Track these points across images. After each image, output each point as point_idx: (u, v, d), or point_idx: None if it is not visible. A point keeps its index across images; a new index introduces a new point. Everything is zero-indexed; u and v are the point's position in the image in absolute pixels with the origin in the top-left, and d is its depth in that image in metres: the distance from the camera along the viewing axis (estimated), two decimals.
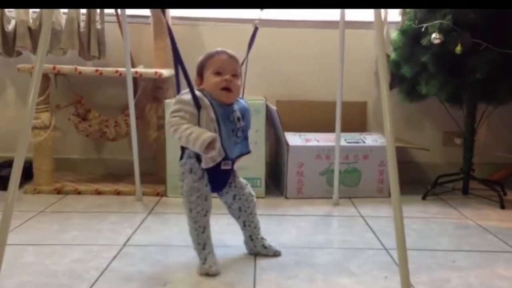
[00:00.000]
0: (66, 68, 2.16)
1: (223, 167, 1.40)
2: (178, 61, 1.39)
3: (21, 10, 2.30)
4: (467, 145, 2.31)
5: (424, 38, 2.09)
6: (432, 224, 1.90)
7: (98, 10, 2.33)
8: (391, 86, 2.24)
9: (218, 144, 1.32)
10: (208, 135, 1.30)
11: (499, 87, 2.09)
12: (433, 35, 2.01)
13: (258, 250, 1.53)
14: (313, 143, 2.26)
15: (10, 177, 1.19)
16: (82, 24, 2.32)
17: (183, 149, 1.42)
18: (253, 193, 1.52)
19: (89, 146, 2.59)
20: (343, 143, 2.18)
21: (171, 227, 1.81)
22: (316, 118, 2.45)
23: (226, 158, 1.38)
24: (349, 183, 2.26)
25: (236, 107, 1.42)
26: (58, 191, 2.22)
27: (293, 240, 1.68)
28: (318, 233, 1.77)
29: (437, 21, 2.01)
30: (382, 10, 2.26)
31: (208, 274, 1.37)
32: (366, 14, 2.41)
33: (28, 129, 1.25)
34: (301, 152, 2.22)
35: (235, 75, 1.40)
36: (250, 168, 2.10)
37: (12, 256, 1.43)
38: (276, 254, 1.53)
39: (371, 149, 2.25)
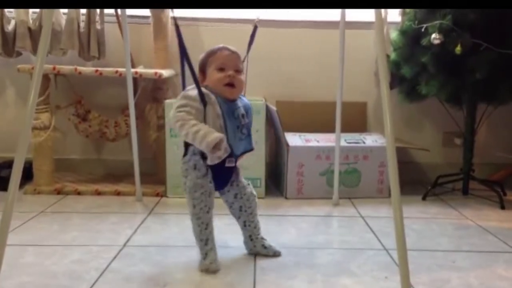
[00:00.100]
0: (66, 68, 2.16)
1: (227, 164, 1.40)
2: (184, 56, 1.39)
3: (21, 11, 2.30)
4: (467, 145, 2.31)
5: (424, 39, 2.09)
6: (432, 225, 1.90)
7: (98, 11, 2.33)
8: (391, 87, 2.24)
9: (224, 144, 1.32)
10: (215, 135, 1.30)
11: (499, 87, 2.09)
12: (433, 36, 2.02)
13: (258, 250, 1.53)
14: (313, 143, 2.26)
15: (10, 178, 1.19)
16: (82, 25, 2.32)
17: (187, 145, 1.42)
18: (254, 193, 1.52)
19: (89, 147, 2.59)
20: (343, 143, 2.18)
21: (171, 227, 1.81)
22: (316, 118, 2.45)
23: (231, 155, 1.38)
24: (349, 184, 2.26)
25: (240, 104, 1.42)
26: (58, 192, 2.22)
27: (293, 241, 1.68)
28: (318, 233, 1.77)
29: (437, 22, 2.01)
30: (382, 10, 2.26)
31: (208, 271, 1.38)
32: (366, 15, 2.41)
33: (28, 129, 1.24)
34: (301, 153, 2.22)
35: (238, 71, 1.41)
36: (250, 168, 2.10)
37: (12, 257, 1.43)
38: (276, 254, 1.53)
39: (371, 149, 2.25)
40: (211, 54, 1.42)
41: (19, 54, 2.40)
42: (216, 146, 1.30)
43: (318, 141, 2.27)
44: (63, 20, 2.32)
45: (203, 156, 1.38)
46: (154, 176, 2.34)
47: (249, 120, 1.44)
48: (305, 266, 1.45)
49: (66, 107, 2.30)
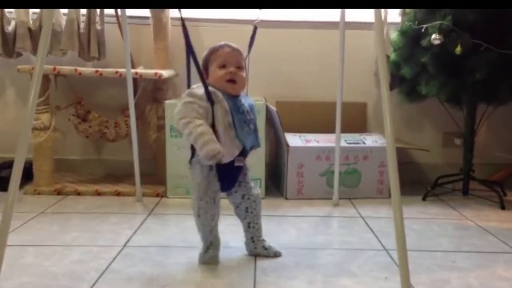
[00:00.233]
0: (66, 69, 2.16)
1: (236, 164, 1.41)
2: (190, 54, 1.38)
3: (21, 11, 2.30)
4: (467, 145, 2.31)
5: (424, 39, 2.09)
6: (432, 225, 1.89)
7: (98, 11, 2.33)
8: (391, 87, 2.24)
9: (221, 156, 1.30)
10: (217, 146, 1.29)
11: (499, 88, 2.09)
12: (433, 36, 2.02)
13: (258, 251, 1.53)
14: (313, 144, 2.26)
15: (11, 178, 1.19)
16: (82, 25, 2.32)
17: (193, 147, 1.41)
18: (260, 195, 1.52)
19: (89, 147, 2.59)
20: (343, 144, 2.18)
21: (171, 228, 1.81)
22: (316, 118, 2.45)
23: (241, 153, 1.39)
24: (349, 184, 2.26)
25: (243, 100, 1.42)
26: (58, 192, 2.22)
27: (293, 241, 1.68)
28: (318, 234, 1.77)
29: (437, 22, 2.02)
30: (382, 11, 2.26)
31: (206, 263, 1.43)
32: (366, 15, 2.41)
33: (28, 130, 1.24)
34: (301, 153, 2.21)
35: (239, 67, 1.41)
36: (250, 168, 2.10)
37: (12, 257, 1.43)
38: (276, 255, 1.53)
39: (371, 149, 2.25)
40: (213, 51, 1.43)
41: (19, 54, 2.41)
42: (213, 157, 1.29)
43: (318, 142, 2.27)
44: (63, 20, 2.32)
45: None
46: (154, 177, 2.34)
47: (254, 116, 1.44)
48: (305, 267, 1.45)
49: (66, 107, 2.30)
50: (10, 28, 2.33)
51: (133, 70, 2.12)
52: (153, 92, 2.31)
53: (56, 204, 2.09)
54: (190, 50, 1.38)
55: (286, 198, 2.24)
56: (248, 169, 1.49)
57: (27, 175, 2.24)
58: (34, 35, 2.32)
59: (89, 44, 2.32)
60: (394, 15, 2.35)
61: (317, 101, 2.53)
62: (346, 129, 2.15)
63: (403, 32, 2.26)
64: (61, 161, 2.47)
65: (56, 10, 2.20)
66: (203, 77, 1.38)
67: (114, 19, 2.38)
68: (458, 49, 1.98)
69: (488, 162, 2.57)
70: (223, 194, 1.46)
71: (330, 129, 2.15)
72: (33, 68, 2.04)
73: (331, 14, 2.41)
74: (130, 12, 2.20)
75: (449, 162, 2.56)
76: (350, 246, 1.64)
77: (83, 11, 2.33)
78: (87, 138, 2.40)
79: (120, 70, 2.14)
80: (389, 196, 1.63)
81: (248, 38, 1.54)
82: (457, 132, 2.46)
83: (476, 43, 1.99)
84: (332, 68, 2.20)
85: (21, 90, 2.53)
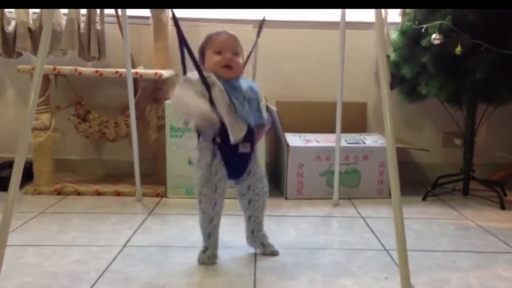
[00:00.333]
0: (66, 69, 2.16)
1: (240, 150, 1.40)
2: (182, 42, 1.39)
3: (21, 11, 2.30)
4: (467, 145, 2.31)
5: (424, 39, 2.09)
6: (432, 225, 1.90)
7: (98, 11, 2.33)
8: (391, 87, 2.23)
9: (212, 120, 1.31)
10: (205, 108, 1.30)
11: (499, 88, 2.09)
12: (433, 36, 2.02)
13: (256, 246, 1.54)
14: (313, 144, 2.26)
15: (11, 178, 1.19)
16: (82, 25, 2.33)
17: (199, 134, 1.42)
18: (267, 189, 1.52)
19: (89, 147, 2.59)
20: (343, 143, 2.18)
21: (171, 228, 1.81)
22: (316, 118, 2.45)
23: (246, 139, 1.38)
24: (349, 184, 2.26)
25: (241, 83, 1.42)
26: (58, 192, 2.22)
27: (293, 241, 1.68)
28: (318, 234, 1.77)
29: (437, 22, 2.02)
30: (383, 11, 2.26)
31: (204, 263, 1.43)
32: (366, 15, 2.41)
33: (28, 130, 1.24)
34: (301, 153, 2.21)
35: (236, 53, 1.41)
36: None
37: (12, 257, 1.43)
38: (273, 253, 1.53)
39: (371, 149, 2.25)
40: (209, 38, 1.43)
41: (19, 54, 2.41)
42: (205, 120, 1.30)
43: (318, 142, 2.27)
44: (63, 20, 2.32)
45: (215, 142, 1.38)
46: (154, 177, 2.34)
47: (254, 96, 1.43)
48: (305, 267, 1.45)
49: (66, 107, 2.30)
50: (10, 28, 2.33)
51: (133, 70, 2.12)
52: (153, 92, 2.31)
53: (56, 204, 2.09)
54: (181, 36, 1.38)
55: (286, 198, 2.24)
56: (257, 159, 1.48)
57: (27, 175, 2.24)
58: (34, 35, 2.33)
59: (89, 44, 2.33)
60: (394, 15, 2.35)
61: (317, 101, 2.53)
62: (346, 129, 2.15)
63: (403, 32, 2.26)
64: (61, 161, 2.47)
65: (56, 10, 2.20)
66: (196, 61, 1.38)
67: (114, 19, 2.38)
68: (458, 49, 1.99)
69: (488, 162, 2.57)
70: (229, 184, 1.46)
71: (330, 129, 2.15)
72: (33, 68, 2.04)
73: (331, 14, 2.41)
74: (130, 12, 2.20)
75: (449, 162, 2.56)
76: (350, 246, 1.64)
77: (83, 11, 2.33)
78: (87, 138, 2.40)
79: (120, 70, 2.14)
80: (389, 196, 1.63)
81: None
82: (457, 132, 2.46)
83: (476, 43, 1.99)
84: (332, 68, 2.20)
85: (21, 90, 2.53)
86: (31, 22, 2.33)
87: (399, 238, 1.18)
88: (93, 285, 1.30)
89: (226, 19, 2.50)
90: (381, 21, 1.29)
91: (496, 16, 2.01)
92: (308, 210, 2.06)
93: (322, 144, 2.25)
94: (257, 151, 1.49)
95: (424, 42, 2.09)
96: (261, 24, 1.57)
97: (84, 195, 2.22)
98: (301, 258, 1.52)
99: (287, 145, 2.21)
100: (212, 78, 1.36)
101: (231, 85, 1.38)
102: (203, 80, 1.35)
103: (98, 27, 2.33)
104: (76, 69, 2.15)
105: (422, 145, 2.53)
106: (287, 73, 2.57)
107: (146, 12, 2.42)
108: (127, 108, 2.12)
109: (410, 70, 2.22)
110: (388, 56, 2.29)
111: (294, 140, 2.27)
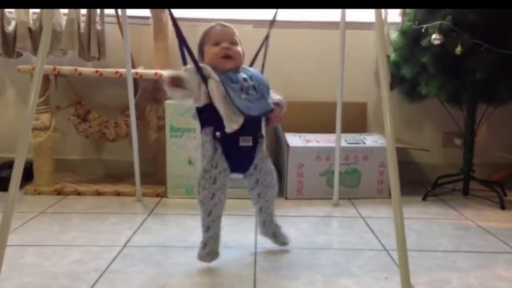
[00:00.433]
0: (66, 69, 2.16)
1: (241, 144, 1.40)
2: (182, 41, 1.39)
3: (21, 11, 2.30)
4: (467, 145, 2.31)
5: (424, 39, 2.09)
6: (432, 225, 1.90)
7: (98, 11, 2.33)
8: (391, 87, 2.24)
9: (185, 83, 1.32)
10: (173, 72, 1.32)
11: (499, 88, 2.09)
12: (433, 36, 2.02)
13: (267, 235, 1.55)
14: (313, 144, 2.26)
15: (11, 178, 1.19)
16: (82, 25, 2.33)
17: (202, 126, 1.43)
18: (276, 181, 1.52)
19: (89, 147, 2.59)
20: (343, 143, 2.18)
21: (171, 228, 1.81)
22: (316, 118, 2.45)
23: (244, 133, 1.38)
24: (349, 184, 2.26)
25: (242, 73, 1.41)
26: (58, 192, 2.22)
27: (293, 241, 1.67)
28: (318, 234, 1.77)
29: (437, 22, 2.02)
30: (383, 11, 2.26)
31: (202, 260, 1.42)
32: (366, 15, 2.41)
33: (29, 130, 1.24)
34: (301, 153, 2.22)
35: (233, 43, 1.42)
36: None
37: (12, 257, 1.43)
38: (283, 244, 1.55)
39: (371, 149, 2.25)
40: (206, 33, 1.44)
41: (19, 54, 2.41)
42: (173, 82, 1.32)
43: (318, 142, 2.27)
44: (63, 20, 2.32)
45: (215, 137, 1.38)
46: (154, 177, 2.34)
47: (258, 83, 1.42)
48: (305, 267, 1.45)
49: (66, 107, 2.30)
50: (10, 28, 2.33)
51: (133, 70, 2.12)
52: (153, 92, 2.31)
53: (56, 204, 2.09)
54: (178, 32, 1.38)
55: (286, 198, 2.24)
56: (264, 152, 1.48)
57: (27, 175, 2.24)
58: (34, 35, 2.33)
59: (89, 44, 2.33)
60: (394, 15, 2.35)
61: (317, 101, 2.53)
62: (346, 129, 2.15)
63: (403, 32, 2.26)
64: (61, 161, 2.47)
65: (56, 10, 2.20)
66: (193, 54, 1.38)
67: (115, 19, 2.38)
68: (458, 49, 1.99)
69: (488, 162, 2.57)
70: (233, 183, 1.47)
71: (330, 129, 2.15)
72: (33, 68, 2.04)
73: (331, 14, 2.41)
74: (130, 12, 2.20)
75: (449, 162, 2.56)
76: (350, 246, 1.64)
77: (83, 11, 2.33)
78: (87, 138, 2.40)
79: (120, 70, 2.14)
80: (389, 196, 1.63)
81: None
82: (457, 132, 2.46)
83: (476, 43, 1.99)
84: (332, 68, 2.20)
85: (21, 90, 2.53)
86: (31, 22, 2.33)
87: (399, 238, 1.18)
88: (93, 285, 1.30)
89: (226, 19, 2.49)
90: (381, 21, 1.29)
91: (496, 16, 2.01)
92: (308, 210, 2.06)
93: (322, 144, 2.25)
94: (263, 145, 1.48)
95: (424, 42, 2.09)
96: (271, 23, 1.58)
97: (84, 195, 2.22)
98: (301, 258, 1.52)
99: (287, 145, 2.21)
100: (207, 69, 1.36)
101: (227, 77, 1.37)
102: (199, 71, 1.35)
103: (98, 27, 2.33)
104: (76, 69, 2.15)
105: (422, 145, 2.53)
106: (287, 73, 2.57)
107: (146, 12, 2.42)
108: (127, 108, 2.13)
109: (410, 70, 2.22)
110: (388, 56, 2.29)
111: (294, 140, 2.27)
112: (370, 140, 2.32)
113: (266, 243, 1.59)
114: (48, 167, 2.26)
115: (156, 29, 2.38)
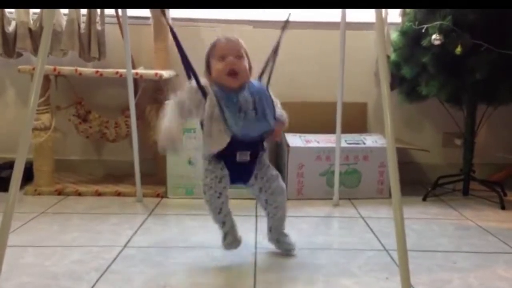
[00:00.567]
0: (66, 69, 2.16)
1: (239, 159, 1.41)
2: (182, 55, 1.41)
3: (22, 11, 2.30)
4: (467, 146, 2.31)
5: (424, 39, 2.09)
6: (433, 225, 1.90)
7: (98, 11, 2.33)
8: (392, 87, 2.23)
9: (171, 144, 1.35)
10: (166, 137, 1.35)
11: (499, 88, 2.09)
12: (433, 36, 2.02)
13: (272, 242, 1.56)
14: (313, 144, 2.26)
15: (11, 179, 1.19)
16: (82, 25, 2.33)
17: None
18: (282, 185, 1.51)
19: (89, 147, 2.59)
20: (343, 144, 2.18)
21: (171, 228, 1.81)
22: (316, 119, 2.45)
23: (242, 148, 1.40)
24: (349, 184, 2.26)
25: (245, 91, 1.40)
26: (59, 192, 2.22)
27: (293, 241, 1.68)
28: (318, 234, 1.77)
29: (437, 22, 2.02)
30: (383, 11, 2.26)
31: (228, 247, 1.47)
32: (366, 15, 2.41)
33: (29, 130, 1.24)
34: (301, 153, 2.22)
35: (239, 56, 1.41)
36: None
37: (12, 257, 1.44)
38: (287, 253, 1.54)
39: (371, 150, 2.25)
40: (211, 48, 1.44)
41: (19, 55, 2.41)
42: (166, 142, 1.34)
43: (318, 142, 2.27)
44: (63, 21, 2.32)
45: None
46: (155, 177, 2.34)
47: (259, 105, 1.40)
48: (305, 267, 1.45)
49: (66, 108, 2.30)
50: (10, 28, 2.33)
51: (133, 71, 2.12)
52: (153, 93, 2.31)
53: (57, 204, 2.09)
54: (180, 50, 1.41)
55: (286, 198, 2.23)
56: (265, 162, 1.49)
57: (28, 175, 2.24)
58: (34, 35, 2.33)
59: (90, 45, 2.33)
60: (394, 15, 2.35)
61: (317, 101, 2.53)
62: (346, 129, 2.15)
63: (403, 32, 2.26)
64: (62, 161, 2.47)
65: (56, 10, 2.20)
66: (194, 72, 1.40)
67: (115, 19, 2.38)
68: (458, 49, 1.99)
69: (488, 162, 2.57)
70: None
71: (330, 129, 2.15)
72: (33, 69, 2.04)
73: (332, 14, 2.41)
74: (130, 12, 2.20)
75: (449, 162, 2.56)
76: (350, 246, 1.64)
77: (84, 11, 2.33)
78: (88, 138, 2.40)
79: (120, 70, 2.14)
80: (389, 196, 1.63)
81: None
82: (457, 132, 2.46)
83: (476, 43, 1.99)
84: (332, 68, 2.20)
85: (21, 90, 2.53)
86: (31, 22, 2.33)
87: (399, 238, 1.18)
88: (93, 285, 1.30)
89: (226, 19, 2.50)
90: (381, 21, 1.29)
91: (496, 16, 2.01)
92: (308, 210, 2.06)
93: (322, 144, 2.25)
94: (264, 156, 1.50)
95: (424, 42, 2.09)
96: (284, 25, 1.57)
97: (84, 195, 2.22)
98: (301, 258, 1.52)
99: (287, 145, 2.21)
100: (208, 88, 1.38)
101: (227, 96, 1.37)
102: (200, 86, 1.37)
103: (99, 27, 2.33)
104: (76, 70, 2.15)
105: (422, 145, 2.53)
106: (287, 73, 2.56)
107: (146, 12, 2.42)
108: (127, 108, 2.13)
109: (410, 70, 2.22)
110: (388, 56, 2.29)
111: (294, 140, 2.27)
112: (370, 140, 2.32)
113: (267, 243, 1.59)
114: (49, 167, 2.26)
115: (156, 30, 2.38)
